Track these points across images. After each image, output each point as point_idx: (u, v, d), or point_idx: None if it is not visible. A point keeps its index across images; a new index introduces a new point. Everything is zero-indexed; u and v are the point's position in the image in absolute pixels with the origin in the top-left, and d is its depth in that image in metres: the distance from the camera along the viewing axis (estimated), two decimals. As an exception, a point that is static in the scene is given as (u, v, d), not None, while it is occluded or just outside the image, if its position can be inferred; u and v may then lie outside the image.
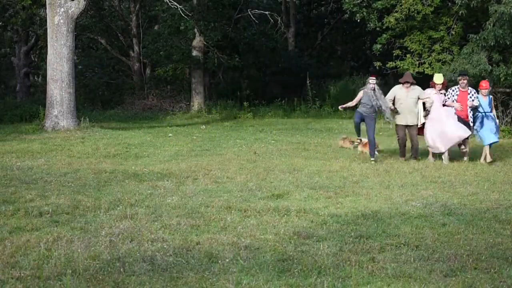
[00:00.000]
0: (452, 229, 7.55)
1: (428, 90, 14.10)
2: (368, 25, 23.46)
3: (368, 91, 13.84)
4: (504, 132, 18.93)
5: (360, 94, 14.02)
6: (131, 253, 6.44)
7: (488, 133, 13.72)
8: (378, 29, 23.17)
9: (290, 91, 30.28)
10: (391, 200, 9.32)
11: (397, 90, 14.25)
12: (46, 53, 21.62)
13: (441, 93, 13.94)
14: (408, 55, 22.85)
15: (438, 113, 13.70)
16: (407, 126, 13.92)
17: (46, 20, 21.55)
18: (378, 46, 23.34)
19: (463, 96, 13.83)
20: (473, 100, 13.76)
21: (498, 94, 19.38)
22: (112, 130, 19.99)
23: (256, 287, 5.54)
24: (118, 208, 8.60)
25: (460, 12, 21.07)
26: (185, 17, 24.66)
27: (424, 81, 25.71)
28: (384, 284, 5.63)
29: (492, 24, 18.39)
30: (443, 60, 22.14)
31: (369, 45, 32.66)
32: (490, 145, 13.76)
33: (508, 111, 19.46)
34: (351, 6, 23.34)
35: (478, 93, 13.96)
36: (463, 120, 13.76)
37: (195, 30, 28.85)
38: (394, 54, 23.23)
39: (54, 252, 6.45)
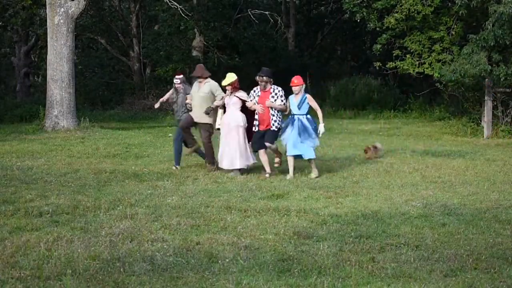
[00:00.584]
0: (452, 229, 7.55)
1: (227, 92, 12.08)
2: (368, 25, 23.47)
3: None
4: (504, 132, 18.94)
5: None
6: (131, 253, 6.44)
7: (291, 143, 11.36)
8: (378, 29, 23.18)
9: (290, 91, 30.23)
10: (391, 200, 9.32)
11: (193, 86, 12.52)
12: (46, 53, 21.62)
13: (235, 95, 11.86)
14: (408, 55, 22.86)
15: (231, 117, 11.80)
16: (197, 123, 12.20)
17: (46, 20, 21.54)
18: (378, 46, 23.35)
19: (264, 97, 11.67)
20: (275, 100, 11.50)
21: (498, 94, 19.39)
22: (112, 130, 19.98)
23: (256, 287, 5.54)
24: (118, 208, 8.60)
25: (460, 12, 21.07)
26: (185, 17, 24.66)
27: (424, 81, 25.84)
28: (384, 284, 5.62)
29: (491, 24, 18.39)
30: (443, 60, 22.14)
31: (369, 45, 32.67)
32: (299, 157, 11.55)
33: (508, 111, 19.46)
34: (351, 6, 23.36)
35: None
36: (268, 132, 11.58)
37: (195, 30, 28.85)
38: (394, 54, 23.24)
39: (54, 252, 6.45)
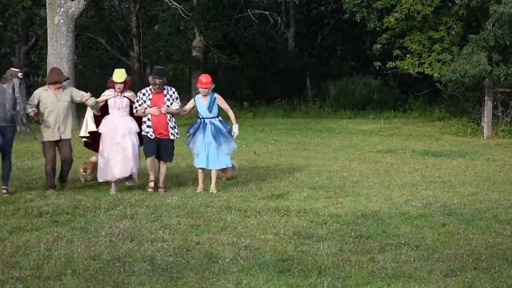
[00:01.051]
0: (452, 229, 7.54)
1: (107, 91, 10.32)
2: (368, 25, 23.47)
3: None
4: (504, 132, 18.94)
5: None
6: (131, 253, 6.44)
7: (204, 153, 10.07)
8: (378, 29, 23.17)
9: (290, 91, 30.25)
10: (391, 200, 9.31)
11: (42, 92, 10.18)
12: (46, 53, 21.61)
13: (124, 96, 10.16)
14: (408, 55, 22.84)
15: (114, 125, 10.06)
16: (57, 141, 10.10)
17: (46, 20, 21.54)
18: (378, 46, 23.34)
19: (158, 99, 10.05)
20: (171, 104, 10.03)
21: (498, 94, 19.39)
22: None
23: (256, 287, 5.54)
24: (118, 208, 8.61)
25: (460, 12, 21.06)
26: (185, 17, 24.65)
27: (424, 81, 25.84)
28: (384, 284, 5.62)
29: (492, 24, 18.39)
30: (443, 60, 22.13)
31: (369, 45, 32.63)
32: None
33: (508, 111, 19.46)
34: (351, 6, 23.35)
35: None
36: (166, 147, 10.12)
37: (195, 30, 28.84)
38: (394, 54, 23.23)
39: (54, 252, 6.45)
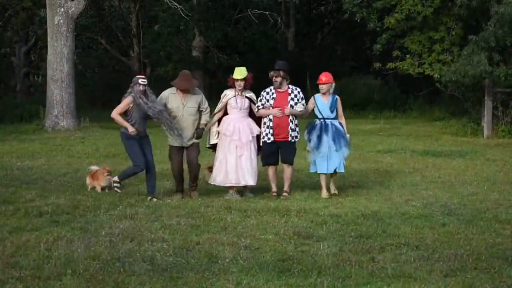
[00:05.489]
0: (452, 229, 7.54)
1: (227, 91, 9.83)
2: (368, 25, 23.46)
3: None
4: (504, 132, 18.94)
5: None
6: (131, 253, 6.44)
7: (323, 158, 9.53)
8: (378, 29, 23.16)
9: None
10: (391, 200, 9.31)
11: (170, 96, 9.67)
12: (46, 53, 21.62)
13: (245, 96, 9.71)
14: (408, 56, 22.84)
15: (235, 127, 9.57)
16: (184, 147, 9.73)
17: (46, 20, 21.55)
18: (378, 46, 23.33)
19: (282, 99, 9.64)
20: (295, 104, 9.57)
21: (498, 94, 19.38)
22: (112, 130, 19.95)
23: (256, 287, 5.54)
24: (118, 208, 8.61)
25: (460, 13, 21.05)
26: (185, 17, 24.66)
27: (424, 81, 25.82)
28: (384, 284, 5.62)
29: (492, 25, 18.38)
30: (444, 60, 22.13)
31: (369, 45, 32.64)
32: (334, 173, 9.76)
33: (508, 111, 19.45)
34: (351, 6, 23.34)
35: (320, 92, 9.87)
36: (288, 147, 9.63)
37: (195, 30, 28.84)
38: (394, 55, 23.23)
39: (54, 252, 6.44)
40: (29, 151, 15.03)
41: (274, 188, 9.67)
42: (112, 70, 32.92)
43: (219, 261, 6.20)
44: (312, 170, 9.79)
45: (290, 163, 9.72)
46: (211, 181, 9.72)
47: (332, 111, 9.66)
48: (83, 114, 21.85)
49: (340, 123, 9.75)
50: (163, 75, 29.83)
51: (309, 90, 29.26)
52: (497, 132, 18.93)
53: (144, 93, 9.21)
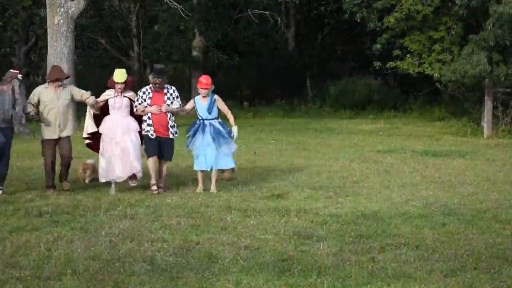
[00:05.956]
0: (452, 229, 7.55)
1: (107, 91, 10.30)
2: (368, 25, 23.46)
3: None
4: (504, 132, 18.94)
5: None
6: (131, 253, 6.44)
7: (200, 156, 10.11)
8: (378, 29, 23.16)
9: (290, 91, 30.25)
10: (391, 200, 9.31)
11: (42, 90, 10.23)
12: (46, 53, 21.61)
13: (124, 96, 10.14)
14: (408, 55, 22.84)
15: (114, 125, 10.07)
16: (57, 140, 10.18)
17: (46, 20, 21.55)
18: (378, 46, 23.33)
19: (158, 98, 10.05)
20: (171, 103, 10.03)
21: (498, 94, 19.38)
22: (112, 130, 19.97)
23: (256, 287, 5.54)
24: (118, 208, 8.61)
25: (460, 12, 21.06)
26: (185, 17, 24.66)
27: (424, 81, 25.83)
28: (384, 284, 5.62)
29: (492, 24, 18.38)
30: (443, 60, 22.13)
31: (369, 45, 32.62)
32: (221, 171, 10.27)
33: (508, 111, 19.45)
34: (351, 6, 23.34)
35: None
36: (164, 138, 10.06)
37: (195, 30, 28.84)
38: (394, 54, 23.23)
39: (54, 252, 6.45)
40: (29, 151, 15.02)
41: (153, 180, 10.00)
42: (112, 70, 32.86)
43: (219, 261, 6.20)
44: (194, 167, 10.36)
45: (169, 160, 10.34)
46: (101, 179, 10.10)
47: (210, 112, 10.22)
48: (83, 114, 21.86)
49: (220, 122, 10.29)
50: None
51: (309, 90, 29.33)
52: (497, 132, 18.94)
53: (19, 87, 9.74)
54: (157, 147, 10.04)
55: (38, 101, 10.08)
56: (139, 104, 10.05)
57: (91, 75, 31.53)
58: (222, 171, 10.44)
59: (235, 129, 10.25)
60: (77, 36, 26.20)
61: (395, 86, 28.85)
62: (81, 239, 6.94)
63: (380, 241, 6.99)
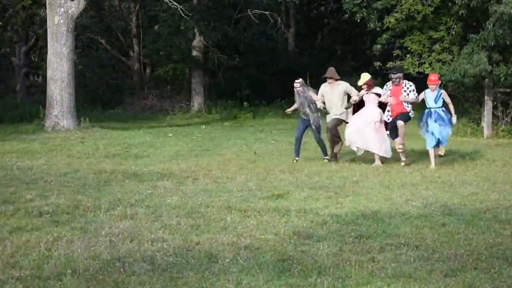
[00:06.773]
0: (452, 229, 7.54)
1: (363, 91, 13.47)
2: (368, 25, 23.48)
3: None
4: (504, 132, 18.94)
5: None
6: (131, 253, 6.44)
7: (430, 135, 12.85)
8: (378, 29, 23.18)
9: (291, 91, 30.17)
10: (391, 200, 9.31)
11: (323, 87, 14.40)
12: (46, 53, 21.63)
13: (372, 93, 13.29)
14: (408, 55, 22.85)
15: (369, 111, 13.17)
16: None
17: (46, 20, 21.55)
18: (378, 46, 23.35)
19: (396, 90, 13.10)
20: (408, 94, 13.08)
21: (498, 94, 19.39)
22: (112, 130, 19.99)
23: (256, 287, 5.54)
24: (118, 208, 8.60)
25: (460, 12, 21.07)
26: (185, 17, 24.67)
27: (424, 82, 25.80)
28: (384, 284, 5.62)
29: (492, 24, 18.40)
30: (443, 60, 22.14)
31: (369, 45, 32.65)
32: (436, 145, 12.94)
33: (508, 111, 19.46)
34: (351, 6, 23.36)
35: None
36: (401, 114, 13.06)
37: (195, 30, 28.85)
38: (394, 54, 23.24)
39: (54, 252, 6.45)
40: (29, 151, 15.03)
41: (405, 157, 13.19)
42: (112, 70, 32.91)
43: (219, 261, 6.20)
44: (427, 146, 13.00)
45: (404, 120, 12.94)
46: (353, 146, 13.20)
47: (436, 102, 12.92)
48: (83, 114, 21.87)
49: (444, 110, 12.97)
50: (163, 75, 29.86)
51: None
52: (497, 132, 18.95)
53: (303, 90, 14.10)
54: (394, 127, 12.91)
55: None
56: (383, 95, 13.02)
57: (91, 75, 31.55)
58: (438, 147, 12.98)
59: (454, 118, 12.95)
60: (77, 36, 26.23)
61: (395, 86, 28.79)
62: (81, 239, 6.93)
63: (380, 241, 6.99)
